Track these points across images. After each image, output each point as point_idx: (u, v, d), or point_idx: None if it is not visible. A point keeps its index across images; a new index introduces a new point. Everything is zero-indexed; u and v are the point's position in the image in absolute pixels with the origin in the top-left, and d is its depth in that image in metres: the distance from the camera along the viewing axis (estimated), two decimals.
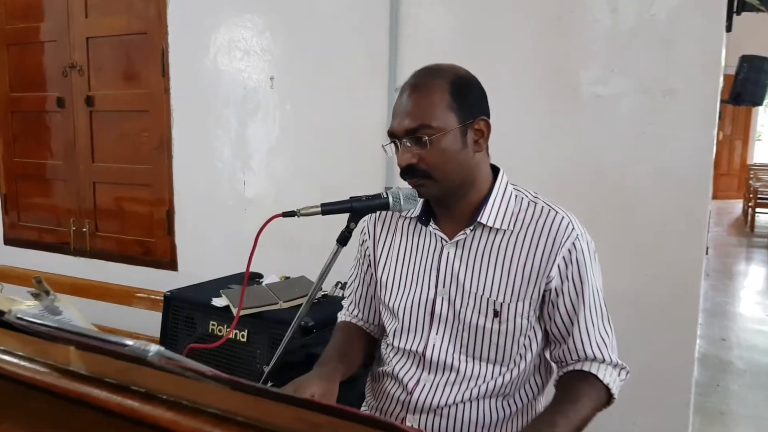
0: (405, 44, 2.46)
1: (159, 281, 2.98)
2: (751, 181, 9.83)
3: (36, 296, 0.89)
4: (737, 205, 10.90)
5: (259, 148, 2.87)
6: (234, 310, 1.95)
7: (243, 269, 2.68)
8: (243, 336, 1.96)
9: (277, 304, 1.99)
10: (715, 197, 11.87)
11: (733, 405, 3.42)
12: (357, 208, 1.24)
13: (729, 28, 2.38)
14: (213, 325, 2.03)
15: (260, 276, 2.44)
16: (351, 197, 1.25)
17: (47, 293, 0.89)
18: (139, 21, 3.15)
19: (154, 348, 0.58)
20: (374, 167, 2.54)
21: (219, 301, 2.05)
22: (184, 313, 2.14)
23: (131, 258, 3.34)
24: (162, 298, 2.22)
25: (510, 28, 2.27)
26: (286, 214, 1.19)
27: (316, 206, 1.21)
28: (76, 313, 0.86)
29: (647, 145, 2.10)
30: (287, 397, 0.59)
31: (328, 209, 1.21)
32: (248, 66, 2.85)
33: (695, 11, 2.00)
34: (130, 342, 0.60)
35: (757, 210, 9.14)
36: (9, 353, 0.76)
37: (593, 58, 2.16)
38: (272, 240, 2.85)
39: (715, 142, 2.11)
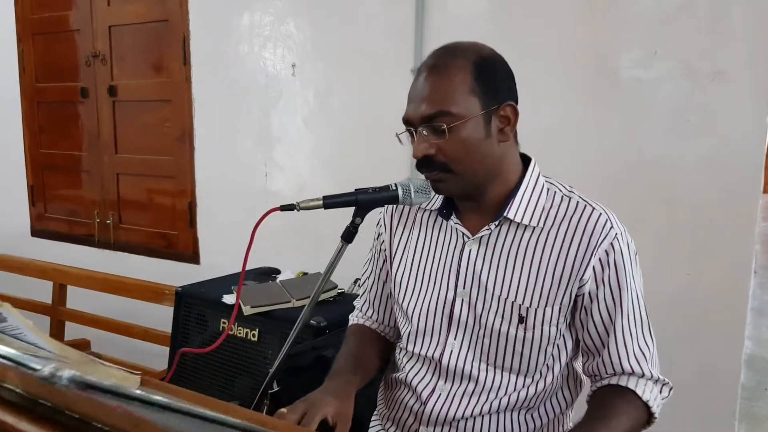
0: (432, 25, 2.32)
1: (182, 274, 2.91)
2: None
3: None
4: None
5: (282, 137, 2.78)
6: (245, 309, 1.86)
7: (264, 263, 2.62)
8: (254, 335, 1.87)
9: (289, 302, 1.88)
10: (764, 191, 11.43)
11: None
12: (363, 201, 1.11)
13: None
14: (224, 323, 1.95)
15: (277, 272, 2.35)
16: (356, 189, 1.13)
17: (3, 320, 0.81)
18: (161, 8, 3.09)
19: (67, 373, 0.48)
20: (401, 155, 2.40)
21: (230, 298, 1.96)
22: (195, 310, 2.06)
23: (154, 251, 3.29)
24: None
25: (545, 7, 2.11)
26: (284, 208, 1.08)
27: (318, 199, 1.09)
28: (23, 321, 0.77)
29: (693, 133, 1.92)
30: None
31: (330, 202, 1.10)
32: (270, 53, 2.75)
33: None
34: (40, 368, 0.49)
35: None
36: None
37: (634, 40, 1.99)
38: (297, 233, 2.80)
39: None
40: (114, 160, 3.41)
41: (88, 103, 3.44)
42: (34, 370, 0.52)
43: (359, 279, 2.09)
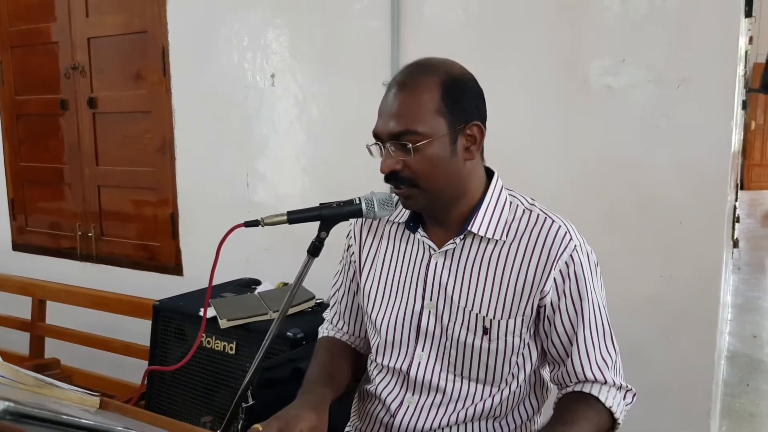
0: (408, 36, 2.35)
1: (165, 286, 2.92)
2: None
3: None
4: None
5: (262, 147, 2.79)
6: (221, 322, 1.87)
7: (247, 274, 2.63)
8: (231, 348, 1.88)
9: (266, 314, 1.89)
10: (747, 188, 11.56)
11: (763, 406, 3.26)
12: (326, 216, 1.14)
13: (749, 13, 2.23)
14: (202, 337, 1.96)
15: (257, 283, 2.36)
16: (321, 204, 1.15)
17: None
18: (140, 20, 3.10)
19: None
20: (375, 162, 2.44)
21: (208, 312, 1.97)
22: (173, 324, 2.07)
23: (137, 263, 3.29)
24: None
25: (518, 18, 2.14)
26: (248, 224, 1.10)
27: (282, 214, 1.11)
28: None
29: (662, 138, 1.95)
30: None
31: (295, 218, 1.12)
32: (249, 64, 2.77)
33: None
34: None
35: None
36: None
37: (603, 48, 2.02)
38: (280, 244, 2.81)
39: (733, 133, 1.96)
40: (95, 172, 3.40)
41: (68, 115, 3.44)
42: None
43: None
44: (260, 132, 2.78)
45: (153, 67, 3.08)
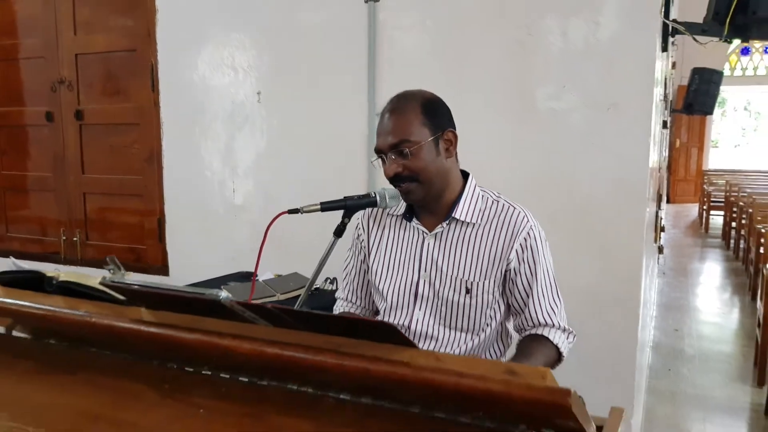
0: (383, 62, 2.71)
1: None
2: (705, 186, 10.38)
3: (111, 271, 1.12)
4: (694, 209, 11.44)
5: (247, 158, 3.08)
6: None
7: (232, 270, 2.91)
8: None
9: (274, 296, 2.21)
10: (672, 201, 12.46)
11: (682, 386, 3.76)
12: (350, 206, 1.49)
13: (665, 48, 2.71)
14: None
15: (252, 274, 2.65)
16: (345, 197, 1.50)
17: (119, 268, 1.13)
18: (129, 38, 3.33)
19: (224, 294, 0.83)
20: (356, 173, 2.79)
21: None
22: None
23: (123, 265, 3.47)
24: None
25: (478, 51, 2.54)
26: (291, 212, 1.43)
27: (316, 204, 1.45)
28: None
29: (595, 153, 2.39)
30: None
31: (326, 206, 1.46)
32: (236, 81, 3.06)
33: (634, 34, 2.31)
34: (204, 291, 0.84)
35: (711, 212, 9.66)
36: (95, 315, 1.00)
37: (548, 77, 2.45)
38: (259, 241, 3.09)
39: (651, 150, 2.41)
40: (81, 180, 3.59)
41: (54, 126, 3.61)
42: None
43: (329, 278, 2.45)
44: (246, 145, 3.07)
45: (142, 83, 3.31)
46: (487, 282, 1.54)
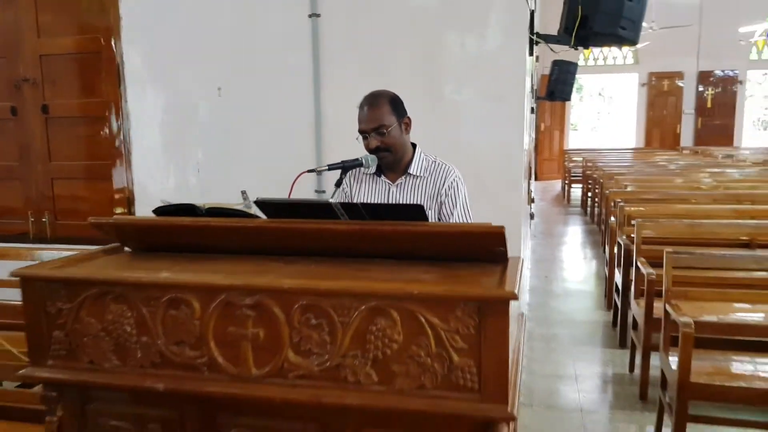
0: (326, 77, 3.51)
1: None
2: (566, 163, 11.98)
3: (245, 198, 1.85)
4: (558, 184, 13.09)
5: (211, 143, 3.74)
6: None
7: None
8: None
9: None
10: (540, 178, 14.14)
11: (553, 314, 4.87)
12: (347, 166, 2.27)
13: (531, 53, 3.71)
14: None
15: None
16: (342, 161, 2.27)
17: (246, 199, 1.85)
18: (92, 43, 3.82)
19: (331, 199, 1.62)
20: (306, 153, 3.56)
21: None
22: None
23: (93, 240, 3.99)
24: None
25: (400, 62, 3.40)
26: (309, 171, 2.20)
27: (324, 166, 2.23)
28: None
29: (488, 133, 3.33)
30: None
31: (332, 167, 2.23)
32: (198, 76, 3.69)
33: (510, 44, 3.27)
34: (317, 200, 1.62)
35: (572, 186, 11.25)
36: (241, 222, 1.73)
37: (451, 77, 3.36)
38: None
39: (525, 131, 3.40)
40: (48, 167, 4.04)
41: (19, 120, 4.03)
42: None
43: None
44: (209, 132, 3.72)
45: (107, 78, 3.81)
46: (430, 212, 2.40)
